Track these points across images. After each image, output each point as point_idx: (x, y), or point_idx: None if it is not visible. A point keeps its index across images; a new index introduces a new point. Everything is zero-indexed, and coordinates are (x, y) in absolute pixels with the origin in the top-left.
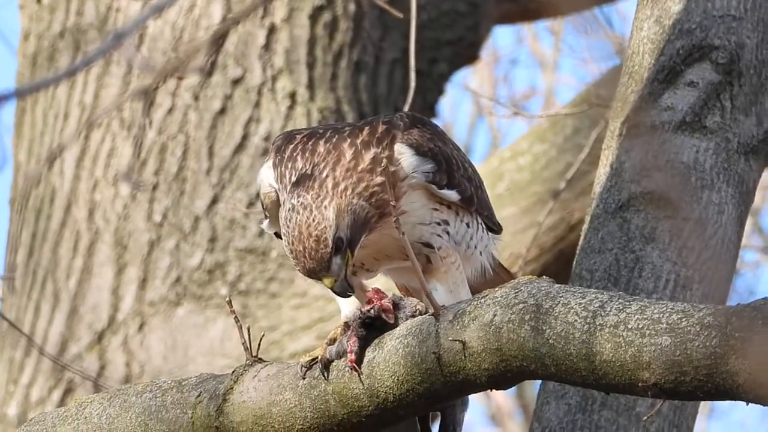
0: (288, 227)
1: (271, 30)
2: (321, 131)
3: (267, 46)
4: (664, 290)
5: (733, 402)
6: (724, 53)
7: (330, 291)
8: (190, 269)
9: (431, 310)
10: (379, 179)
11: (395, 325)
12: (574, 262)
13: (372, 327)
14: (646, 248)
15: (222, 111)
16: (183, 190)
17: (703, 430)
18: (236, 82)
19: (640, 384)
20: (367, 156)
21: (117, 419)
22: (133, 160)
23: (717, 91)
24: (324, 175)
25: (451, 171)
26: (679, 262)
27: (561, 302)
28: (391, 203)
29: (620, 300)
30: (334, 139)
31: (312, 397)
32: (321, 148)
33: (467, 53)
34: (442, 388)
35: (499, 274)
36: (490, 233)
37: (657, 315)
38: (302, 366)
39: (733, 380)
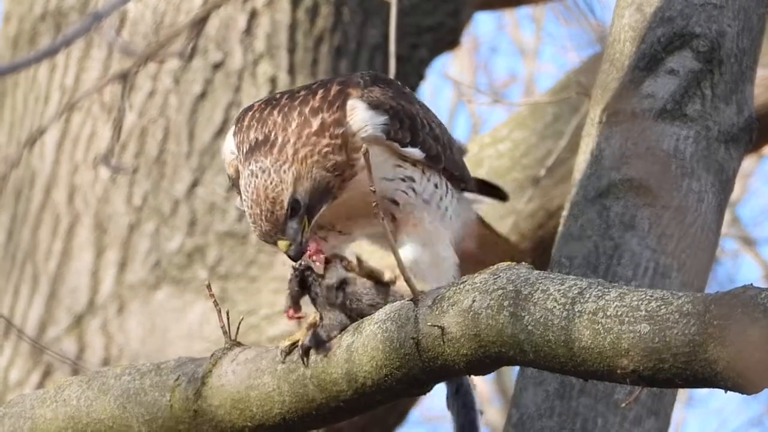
0: (247, 192)
1: (252, 14)
2: (277, 98)
3: (248, 31)
4: (643, 278)
5: (711, 390)
6: (705, 41)
7: (285, 256)
8: (170, 253)
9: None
10: (331, 142)
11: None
12: (554, 249)
13: (305, 283)
14: (626, 236)
15: (202, 95)
16: (163, 174)
17: (681, 418)
18: (217, 66)
19: (618, 371)
20: (316, 121)
21: (95, 402)
22: (112, 143)
23: (698, 79)
24: (281, 141)
25: (414, 129)
26: (658, 250)
27: (540, 288)
28: (371, 188)
29: (599, 287)
30: (287, 107)
31: (290, 382)
32: (274, 116)
33: (448, 39)
34: (420, 374)
35: (493, 239)
36: (469, 194)
37: (636, 302)
38: (282, 351)
39: (711, 368)
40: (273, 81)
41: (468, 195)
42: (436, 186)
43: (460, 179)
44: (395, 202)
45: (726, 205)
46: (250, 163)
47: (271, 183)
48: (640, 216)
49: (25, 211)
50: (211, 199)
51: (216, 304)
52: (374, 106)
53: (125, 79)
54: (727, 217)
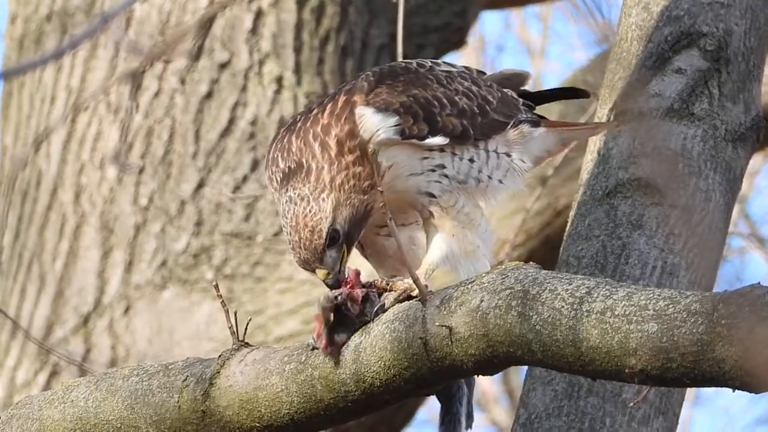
0: (286, 218)
1: (258, 14)
2: (294, 122)
3: (254, 30)
4: (651, 277)
5: (719, 389)
6: (713, 40)
7: (324, 284)
8: (176, 253)
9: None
10: (353, 157)
11: (364, 316)
12: (561, 249)
13: (339, 312)
14: (633, 235)
15: (209, 95)
16: (169, 174)
17: (688, 417)
18: (223, 66)
19: (626, 370)
20: (332, 141)
21: (103, 403)
22: (120, 143)
23: (705, 78)
24: (316, 167)
25: (431, 117)
26: (666, 249)
27: (548, 288)
28: (378, 189)
29: (607, 286)
30: (302, 131)
31: (299, 382)
32: (295, 143)
33: (454, 39)
34: (428, 374)
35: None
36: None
37: (644, 301)
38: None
39: (719, 367)
40: (279, 80)
41: (526, 128)
42: (471, 160)
43: (499, 122)
44: (431, 195)
45: (733, 204)
46: (287, 190)
47: (310, 211)
48: (648, 215)
49: (31, 211)
50: (217, 200)
51: (224, 304)
52: (382, 108)
53: (132, 78)
54: (736, 215)
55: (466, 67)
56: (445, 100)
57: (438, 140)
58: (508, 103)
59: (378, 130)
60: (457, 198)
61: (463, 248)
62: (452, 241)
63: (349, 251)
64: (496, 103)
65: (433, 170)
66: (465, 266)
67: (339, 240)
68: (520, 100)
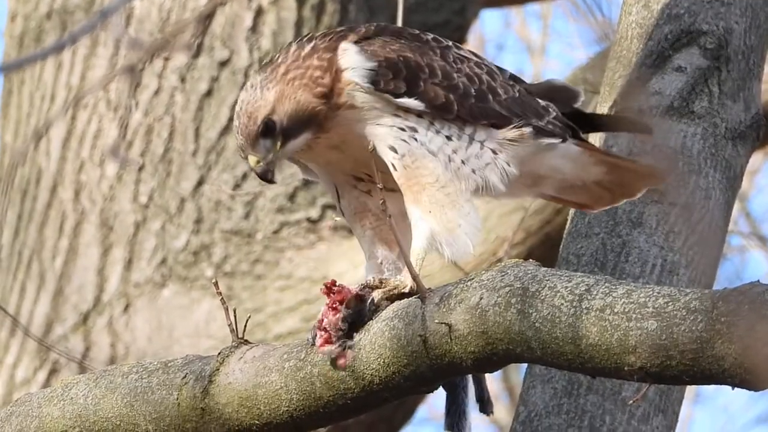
0: (237, 106)
1: (258, 12)
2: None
3: (254, 28)
4: (651, 275)
5: (718, 387)
6: (713, 38)
7: (254, 173)
8: (176, 251)
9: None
10: (319, 64)
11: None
12: (561, 246)
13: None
14: (633, 233)
15: (208, 93)
16: (169, 172)
17: (688, 415)
18: (223, 64)
19: (626, 368)
20: (309, 46)
21: (103, 400)
22: (119, 140)
23: (705, 76)
24: (278, 62)
25: (413, 79)
26: (665, 247)
27: (547, 286)
28: (379, 185)
29: (606, 284)
30: (296, 44)
31: (298, 379)
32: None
33: (454, 37)
34: (427, 371)
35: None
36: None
37: (643, 299)
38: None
39: (719, 365)
40: None
41: (545, 140)
42: (449, 138)
43: (494, 120)
44: (394, 149)
45: (733, 202)
46: (246, 83)
47: (254, 99)
48: (648, 213)
49: (31, 208)
50: (217, 197)
51: (223, 301)
52: (365, 51)
53: (131, 73)
54: (736, 213)
55: (496, 66)
56: (438, 71)
57: (412, 102)
58: (525, 106)
59: (355, 67)
60: (435, 173)
61: (443, 225)
62: (429, 218)
63: (283, 145)
64: (506, 97)
65: (403, 129)
66: (448, 244)
67: (275, 132)
68: (553, 112)
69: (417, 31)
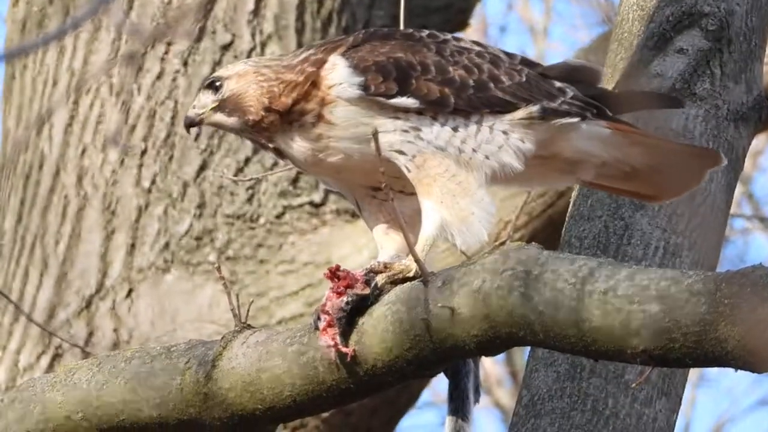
0: None
1: None
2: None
3: (256, 12)
4: (654, 257)
5: (722, 369)
6: (714, 20)
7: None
8: (179, 235)
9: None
10: (297, 77)
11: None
12: (563, 229)
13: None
14: (636, 215)
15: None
16: (171, 156)
17: (691, 398)
18: (225, 47)
19: (629, 351)
20: (302, 56)
21: (106, 385)
22: (119, 127)
23: (707, 58)
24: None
25: (404, 78)
26: (668, 229)
27: (550, 269)
28: (381, 170)
29: (609, 267)
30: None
31: (301, 364)
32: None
33: (457, 20)
34: (430, 355)
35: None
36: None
37: (646, 282)
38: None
39: (722, 347)
40: None
41: (561, 120)
42: (455, 129)
43: (508, 101)
44: (402, 153)
45: (735, 184)
46: None
47: (234, 63)
48: None
49: (33, 194)
50: (219, 182)
51: (226, 286)
52: (354, 65)
53: (133, 59)
54: (738, 195)
55: (505, 52)
56: (432, 67)
57: (406, 101)
58: (534, 89)
59: (343, 83)
60: (444, 164)
61: (455, 215)
62: (441, 208)
63: (215, 110)
64: (510, 84)
65: (406, 131)
66: (460, 233)
67: (218, 93)
68: (571, 92)
69: (410, 30)
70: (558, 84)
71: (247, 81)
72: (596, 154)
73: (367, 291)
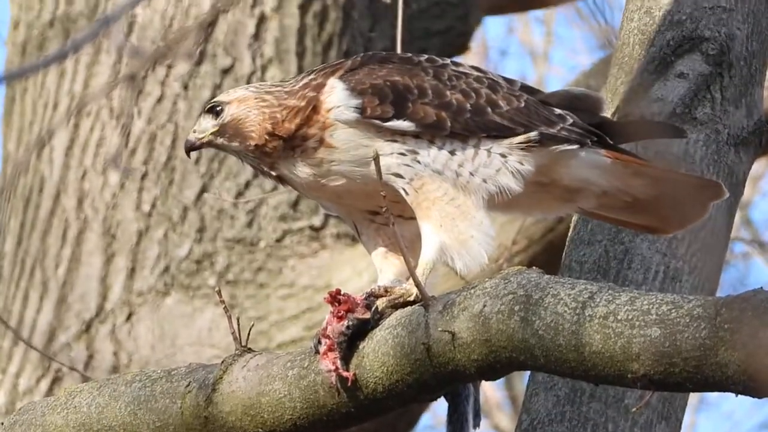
0: None
1: (261, 19)
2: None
3: (257, 36)
4: (654, 282)
5: (722, 393)
6: (715, 44)
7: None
8: (179, 259)
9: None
10: (299, 102)
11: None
12: (564, 254)
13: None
14: (636, 240)
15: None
16: (172, 180)
17: (692, 422)
18: (226, 71)
19: (629, 375)
20: (299, 83)
21: (106, 408)
22: (119, 149)
23: (707, 82)
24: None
25: (401, 101)
26: (668, 254)
27: (550, 293)
28: (381, 193)
29: (610, 291)
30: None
31: (301, 387)
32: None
33: (457, 43)
34: (431, 379)
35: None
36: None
37: (646, 306)
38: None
39: (722, 372)
40: None
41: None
42: (452, 152)
43: (505, 128)
44: (399, 176)
45: (736, 208)
46: None
47: (235, 89)
48: None
49: (34, 217)
50: (219, 206)
51: (226, 310)
52: (351, 88)
53: (133, 81)
54: (738, 220)
55: (505, 78)
56: (429, 90)
57: (402, 124)
58: (532, 115)
59: (340, 106)
60: (443, 188)
61: (454, 238)
62: (441, 231)
63: (215, 135)
64: (508, 109)
65: (403, 154)
66: (460, 256)
67: (221, 114)
68: (570, 119)
69: (409, 54)
70: (558, 111)
71: (249, 106)
72: (596, 183)
73: (368, 315)
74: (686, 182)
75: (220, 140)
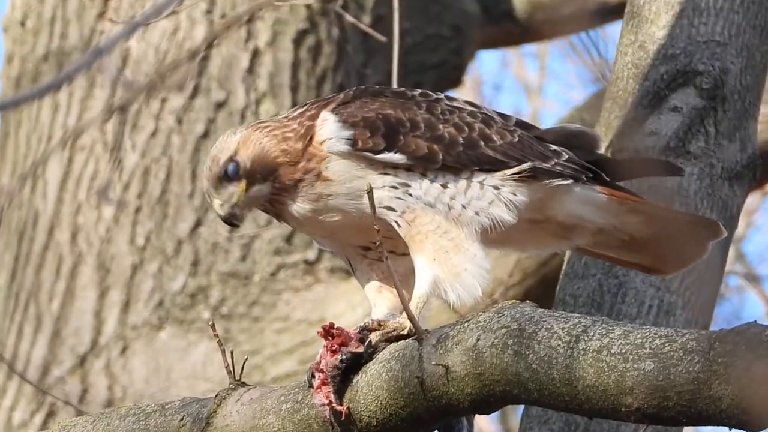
0: None
1: (255, 53)
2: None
3: (251, 70)
4: (648, 315)
5: (716, 428)
6: (709, 78)
7: (219, 218)
8: (173, 293)
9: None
10: (296, 128)
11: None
12: (558, 287)
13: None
14: (630, 273)
15: (205, 134)
16: (166, 214)
17: None
18: (220, 105)
19: (623, 409)
20: (296, 113)
21: None
22: (108, 181)
23: (701, 116)
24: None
25: (392, 134)
26: (662, 288)
27: (544, 327)
28: (375, 227)
29: (603, 325)
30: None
31: (295, 421)
32: None
33: (451, 77)
34: (425, 413)
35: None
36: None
37: (640, 340)
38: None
39: (716, 405)
40: None
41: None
42: (444, 185)
43: (498, 163)
44: (391, 209)
45: (730, 242)
46: None
47: (219, 143)
48: None
49: (28, 251)
50: (214, 239)
51: (220, 343)
52: (343, 120)
53: (123, 111)
54: (732, 253)
55: (499, 113)
56: (421, 124)
57: (393, 157)
58: (526, 149)
59: (332, 138)
60: (436, 221)
61: (448, 271)
62: (434, 265)
63: (247, 189)
64: (501, 143)
65: (395, 187)
66: (453, 289)
67: (238, 175)
68: (566, 155)
69: (402, 89)
70: (554, 147)
71: (256, 139)
72: (591, 220)
73: (362, 349)
74: (682, 220)
75: (255, 189)
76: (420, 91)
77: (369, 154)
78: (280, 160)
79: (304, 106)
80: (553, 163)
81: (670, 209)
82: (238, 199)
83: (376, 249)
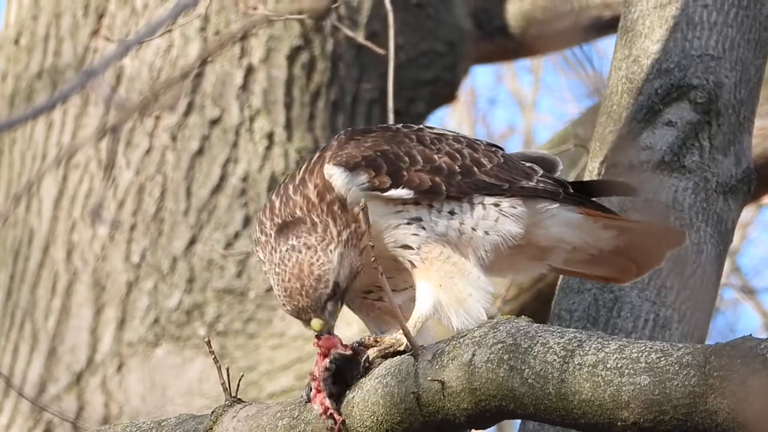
0: (286, 265)
1: (249, 70)
2: (279, 187)
3: (244, 87)
4: (643, 330)
5: None
6: (703, 93)
7: (314, 334)
8: (168, 310)
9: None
10: (335, 200)
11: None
12: (553, 302)
13: (338, 374)
14: (625, 288)
15: (200, 151)
16: (161, 231)
17: None
18: (214, 122)
19: (619, 423)
20: (310, 191)
21: None
22: (100, 200)
23: (695, 130)
24: (321, 222)
25: (395, 170)
26: (658, 302)
27: (540, 341)
28: (369, 243)
29: (599, 339)
30: (283, 190)
31: None
32: (291, 200)
33: (445, 93)
34: (421, 428)
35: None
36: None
37: (636, 354)
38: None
39: (712, 419)
40: (270, 137)
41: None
42: (452, 212)
43: (495, 187)
44: (409, 247)
45: (725, 256)
46: (288, 239)
47: (317, 260)
48: None
49: (23, 269)
50: (209, 256)
51: (216, 360)
52: (344, 163)
53: (117, 130)
54: (727, 266)
55: (472, 138)
56: (418, 157)
57: (400, 192)
58: (512, 170)
59: (349, 189)
60: (441, 249)
61: (453, 297)
62: (439, 291)
63: (340, 307)
64: (491, 166)
65: (409, 223)
66: (458, 315)
67: (338, 294)
68: (540, 170)
69: (385, 125)
70: (528, 164)
71: (346, 253)
72: (568, 240)
73: (349, 351)
74: (651, 231)
75: (344, 285)
76: (400, 125)
77: (377, 192)
78: (360, 266)
79: (297, 171)
80: (535, 180)
81: (639, 221)
82: (335, 319)
83: (372, 265)
